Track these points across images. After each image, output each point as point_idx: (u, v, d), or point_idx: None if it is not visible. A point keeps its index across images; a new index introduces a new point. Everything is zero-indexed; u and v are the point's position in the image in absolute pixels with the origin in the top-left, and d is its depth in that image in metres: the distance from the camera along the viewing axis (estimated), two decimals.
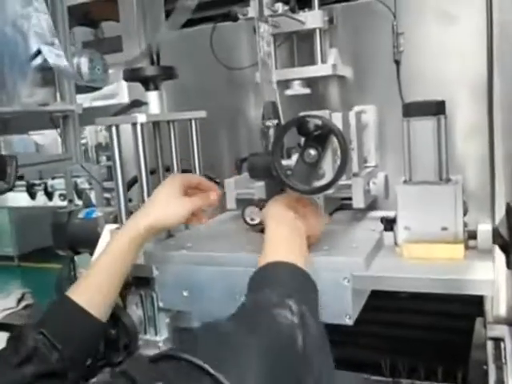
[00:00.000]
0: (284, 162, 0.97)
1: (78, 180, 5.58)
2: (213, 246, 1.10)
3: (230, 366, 0.60)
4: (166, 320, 1.14)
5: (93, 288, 0.94)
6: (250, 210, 1.18)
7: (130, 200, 1.26)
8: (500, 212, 1.20)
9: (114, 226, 1.23)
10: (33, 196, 6.42)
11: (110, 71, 2.08)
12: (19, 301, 2.10)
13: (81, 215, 1.37)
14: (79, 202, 5.10)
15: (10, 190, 0.61)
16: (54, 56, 1.13)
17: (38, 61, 1.70)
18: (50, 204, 6.41)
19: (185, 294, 1.05)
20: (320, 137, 0.88)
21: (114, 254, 0.96)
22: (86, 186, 5.68)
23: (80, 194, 5.44)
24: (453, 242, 0.97)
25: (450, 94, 1.24)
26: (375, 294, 1.05)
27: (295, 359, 0.68)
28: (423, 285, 0.90)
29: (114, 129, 1.17)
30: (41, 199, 6.46)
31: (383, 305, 1.36)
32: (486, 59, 1.24)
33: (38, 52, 1.48)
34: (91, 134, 6.90)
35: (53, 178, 6.25)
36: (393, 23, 1.29)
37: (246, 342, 0.66)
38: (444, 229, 0.98)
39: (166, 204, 1.01)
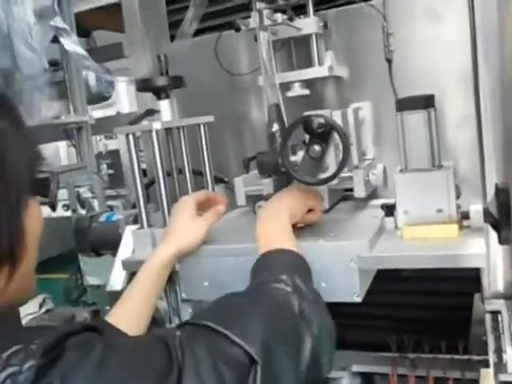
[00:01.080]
0: (291, 158, 1.07)
1: (81, 189, 5.67)
2: (230, 239, 1.20)
3: (236, 327, 0.73)
4: (189, 310, 1.23)
5: (131, 314, 1.04)
6: (261, 205, 1.27)
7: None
8: (491, 193, 1.30)
9: (135, 226, 1.33)
10: None
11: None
12: (40, 306, 2.20)
13: (102, 219, 1.46)
14: (83, 212, 5.19)
15: (52, 204, 0.72)
16: (74, 45, 1.23)
17: (53, 76, 1.80)
18: (54, 215, 6.49)
19: (206, 284, 1.15)
20: (323, 134, 0.97)
21: (145, 283, 1.07)
22: (89, 195, 5.76)
23: (83, 203, 5.53)
24: (448, 222, 1.07)
25: (440, 88, 1.35)
26: (380, 278, 1.15)
27: (292, 319, 0.81)
28: (423, 261, 1.00)
29: (131, 137, 1.26)
30: (45, 211, 6.53)
31: (387, 288, 1.46)
32: (470, 53, 1.34)
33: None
34: None
35: None
36: (383, 25, 1.39)
37: (249, 309, 0.80)
38: (439, 211, 1.08)
39: (185, 231, 1.13)
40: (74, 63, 1.90)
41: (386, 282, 1.32)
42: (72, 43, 1.55)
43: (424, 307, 1.51)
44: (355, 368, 1.40)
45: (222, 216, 1.22)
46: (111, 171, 6.04)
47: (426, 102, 1.09)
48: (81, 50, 1.50)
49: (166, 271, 1.10)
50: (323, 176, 1.01)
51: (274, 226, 1.02)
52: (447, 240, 1.05)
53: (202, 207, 1.19)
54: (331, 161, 1.02)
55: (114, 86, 2.20)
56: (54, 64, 1.91)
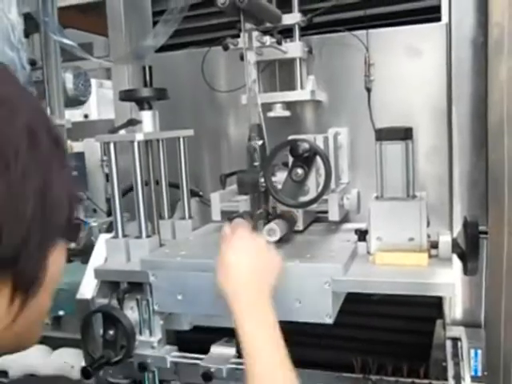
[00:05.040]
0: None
1: None
2: (205, 253, 1.21)
3: None
4: (160, 322, 1.23)
5: None
6: (237, 222, 1.29)
7: None
8: (457, 224, 1.35)
9: (109, 235, 1.32)
10: None
11: None
12: None
13: None
14: None
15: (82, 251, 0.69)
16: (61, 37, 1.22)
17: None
18: None
19: (179, 297, 1.16)
20: (307, 158, 1.00)
21: None
22: None
23: None
24: (418, 250, 1.12)
25: (414, 120, 1.40)
26: (347, 299, 1.18)
27: None
28: (393, 287, 1.04)
29: (112, 145, 1.26)
30: None
31: (354, 309, 1.49)
32: (445, 89, 1.40)
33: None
34: None
35: None
36: (365, 55, 1.44)
37: None
38: (411, 239, 1.12)
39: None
40: (53, 62, 1.88)
41: (353, 303, 1.35)
42: (59, 34, 1.53)
43: (388, 330, 1.55)
44: None
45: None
46: (75, 173, 5.92)
47: (405, 134, 1.14)
48: (69, 41, 1.48)
49: None
50: (304, 199, 1.04)
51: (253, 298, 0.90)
52: (417, 268, 1.09)
53: None
54: (312, 184, 1.05)
55: (90, 91, 2.18)
56: (32, 64, 1.88)
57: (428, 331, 1.46)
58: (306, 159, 1.00)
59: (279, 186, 1.13)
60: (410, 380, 1.35)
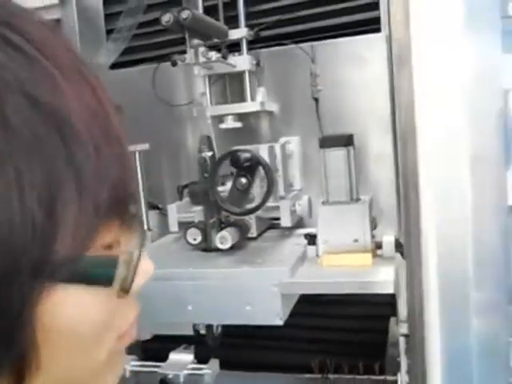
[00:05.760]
0: (220, 189, 1.14)
1: None
2: (162, 263, 1.25)
3: None
4: None
5: None
6: (192, 232, 1.33)
7: None
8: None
9: None
10: None
11: None
12: None
13: None
14: None
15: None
16: None
17: None
18: None
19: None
20: (250, 167, 1.05)
21: None
22: None
23: None
24: (363, 251, 1.17)
25: (362, 127, 1.46)
26: (302, 301, 1.23)
27: None
28: (338, 287, 1.09)
29: None
30: None
31: (311, 311, 1.54)
32: (388, 98, 1.46)
33: None
34: None
35: None
36: (310, 66, 1.50)
37: None
38: (355, 240, 1.18)
39: None
40: None
41: (309, 305, 1.40)
42: None
43: (345, 330, 1.60)
44: None
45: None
46: None
47: (347, 141, 1.20)
48: None
49: None
50: (249, 207, 1.09)
51: None
52: (362, 268, 1.14)
53: None
54: (257, 192, 1.10)
55: None
56: None
57: (383, 329, 1.52)
58: (248, 168, 1.05)
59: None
60: (366, 377, 1.40)
